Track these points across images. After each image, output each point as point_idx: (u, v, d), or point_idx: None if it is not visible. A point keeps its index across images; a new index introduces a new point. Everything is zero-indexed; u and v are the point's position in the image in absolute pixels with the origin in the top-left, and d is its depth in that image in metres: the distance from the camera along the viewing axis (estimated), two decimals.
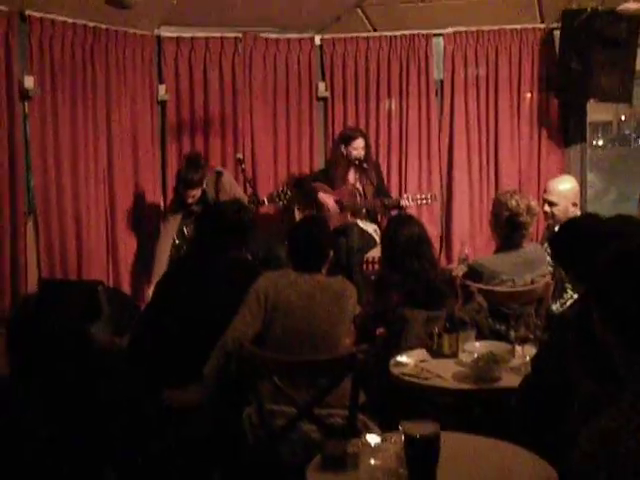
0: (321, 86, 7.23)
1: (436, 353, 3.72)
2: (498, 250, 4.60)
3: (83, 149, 6.12)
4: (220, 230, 3.99)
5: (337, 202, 6.41)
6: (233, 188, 6.15)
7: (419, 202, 6.37)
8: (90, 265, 6.15)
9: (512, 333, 4.03)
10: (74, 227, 6.07)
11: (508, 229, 4.45)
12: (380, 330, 4.03)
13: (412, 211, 6.89)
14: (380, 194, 6.32)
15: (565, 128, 6.91)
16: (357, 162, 6.29)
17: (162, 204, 6.83)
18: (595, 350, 1.98)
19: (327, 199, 6.37)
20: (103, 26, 6.27)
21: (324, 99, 7.28)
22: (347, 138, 6.35)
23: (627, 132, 13.36)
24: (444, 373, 3.46)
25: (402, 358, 3.64)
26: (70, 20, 6.02)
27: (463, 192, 7.05)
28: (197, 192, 5.90)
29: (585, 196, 6.87)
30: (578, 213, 5.00)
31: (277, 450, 3.34)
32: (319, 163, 7.25)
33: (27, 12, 5.73)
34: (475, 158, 7.04)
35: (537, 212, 4.56)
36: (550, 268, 4.57)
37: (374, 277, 4.82)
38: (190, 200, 5.91)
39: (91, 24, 6.17)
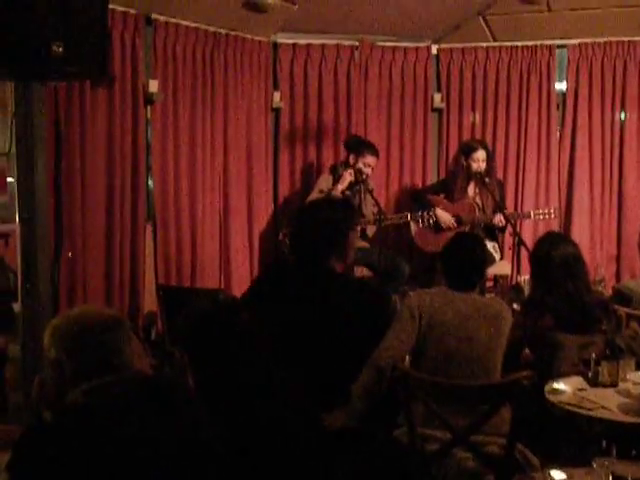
0: (437, 97, 7.06)
1: (593, 381, 3.50)
2: None
3: (201, 155, 6.07)
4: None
5: (455, 216, 6.22)
6: None
7: (540, 217, 6.14)
8: (203, 273, 6.08)
9: None
10: (189, 234, 6.01)
11: None
12: (525, 354, 3.84)
13: (528, 227, 6.70)
14: (500, 210, 6.11)
15: None
16: (478, 175, 6.10)
17: (273, 213, 6.74)
18: None
19: (443, 214, 6.18)
20: (223, 31, 6.21)
21: (439, 110, 7.10)
22: (468, 150, 6.16)
23: None
24: (608, 404, 3.24)
25: (559, 385, 3.43)
26: (193, 24, 5.97)
27: (583, 210, 6.79)
28: None
29: None
30: None
31: (430, 475, 3.17)
32: (432, 175, 7.08)
33: (153, 15, 5.69)
34: (597, 176, 6.78)
35: None
36: None
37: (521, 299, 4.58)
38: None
39: (211, 29, 6.12)
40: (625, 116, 6.71)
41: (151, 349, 5.14)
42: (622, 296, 4.22)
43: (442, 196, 6.31)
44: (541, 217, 6.15)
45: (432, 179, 7.07)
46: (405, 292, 4.65)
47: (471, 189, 6.26)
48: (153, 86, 5.68)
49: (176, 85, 5.89)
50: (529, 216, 6.24)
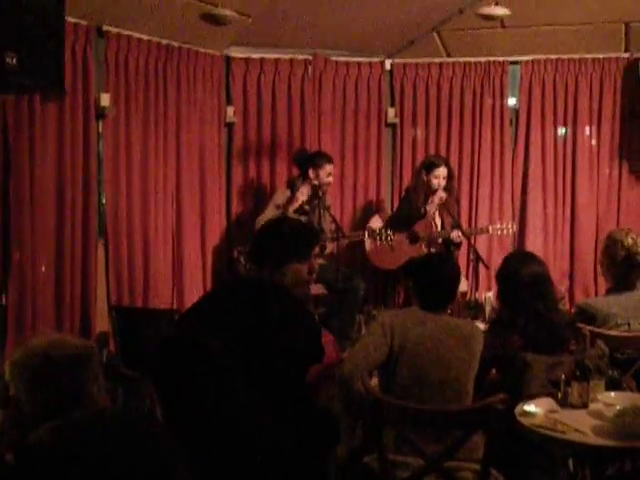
0: (390, 112, 7.03)
1: (562, 403, 3.46)
2: (610, 291, 4.34)
3: (153, 170, 5.93)
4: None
5: (411, 233, 6.19)
6: None
7: (498, 232, 6.14)
8: (156, 290, 5.93)
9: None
10: (142, 251, 5.86)
11: (624, 269, 4.20)
12: (491, 374, 3.79)
13: (483, 243, 6.70)
14: (458, 227, 6.09)
15: None
16: (437, 192, 6.09)
17: (226, 229, 6.62)
18: None
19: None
20: (175, 44, 6.08)
21: (393, 125, 7.07)
22: (429, 166, 6.13)
23: None
24: (581, 427, 3.19)
25: (530, 407, 3.37)
26: (145, 37, 5.83)
27: (536, 226, 6.82)
28: None
29: None
30: None
31: None
32: (386, 190, 7.05)
33: (105, 27, 5.54)
34: (550, 190, 6.83)
35: None
36: None
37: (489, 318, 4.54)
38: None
39: (164, 42, 5.99)
40: (576, 132, 6.75)
41: (104, 371, 4.96)
42: (585, 314, 4.20)
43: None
44: (499, 232, 6.15)
45: (386, 193, 7.04)
46: (369, 311, 4.57)
47: (431, 205, 6.23)
48: (105, 100, 5.52)
49: (128, 99, 5.75)
50: (487, 231, 6.24)
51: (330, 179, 5.96)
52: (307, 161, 5.94)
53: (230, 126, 6.69)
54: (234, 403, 2.59)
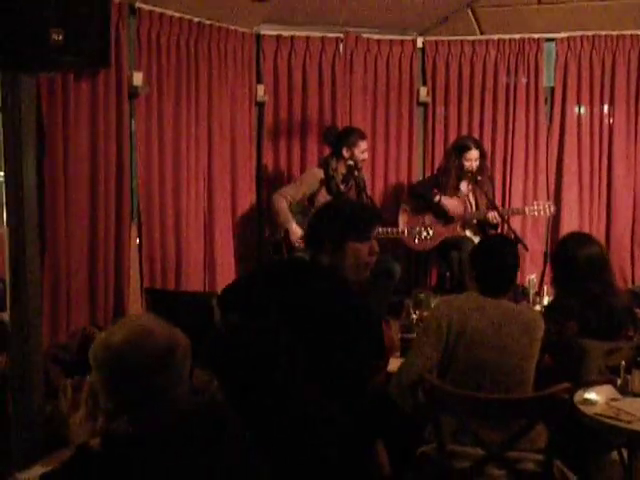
0: (422, 91, 6.89)
1: (622, 390, 3.37)
2: None
3: (185, 152, 5.82)
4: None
5: (444, 215, 6.09)
6: None
7: (535, 213, 6.01)
8: (188, 272, 5.84)
9: None
10: (174, 233, 5.76)
11: None
12: (544, 361, 3.69)
13: (515, 224, 6.57)
14: (494, 208, 5.98)
15: None
16: (469, 174, 5.97)
17: (257, 210, 6.53)
18: None
19: (447, 202, 6.01)
20: (207, 22, 5.96)
21: (425, 104, 6.94)
22: (461, 148, 5.99)
23: None
24: None
25: (590, 395, 3.28)
26: (177, 14, 5.71)
27: (572, 207, 6.69)
28: None
29: None
30: None
31: None
32: (418, 170, 6.93)
33: (137, 4, 5.42)
34: (587, 171, 6.70)
35: None
36: None
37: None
38: None
39: (196, 19, 5.87)
40: (613, 111, 6.61)
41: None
42: (637, 299, 4.09)
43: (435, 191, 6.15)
44: (535, 213, 6.02)
45: (418, 174, 6.93)
46: (417, 295, 4.44)
47: (464, 187, 6.12)
48: (137, 79, 5.41)
49: (160, 78, 5.64)
50: (523, 212, 6.12)
51: (365, 155, 5.82)
52: (340, 139, 5.79)
53: (261, 105, 6.58)
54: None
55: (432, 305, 4.04)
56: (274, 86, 6.59)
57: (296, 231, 5.53)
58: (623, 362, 3.38)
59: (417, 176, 6.91)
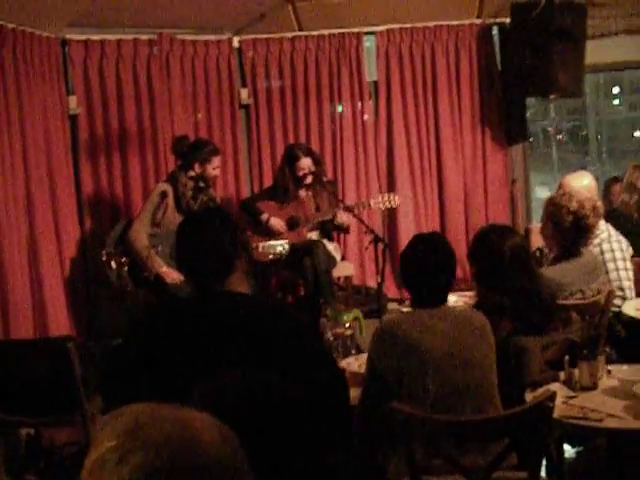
0: (243, 92, 6.54)
1: (568, 385, 3.23)
2: (558, 259, 4.14)
3: (1, 178, 5.06)
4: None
5: (289, 219, 5.79)
6: None
7: (381, 206, 5.85)
8: (17, 314, 5.09)
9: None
10: None
11: (572, 234, 4.01)
12: None
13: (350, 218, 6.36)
14: (338, 207, 5.77)
15: (507, 127, 6.66)
16: (307, 182, 5.73)
17: (79, 229, 5.87)
18: None
19: (274, 222, 5.72)
20: (10, 25, 5.22)
21: (247, 106, 6.59)
22: (291, 159, 5.72)
23: None
24: (612, 410, 2.97)
25: None
26: None
27: (406, 196, 6.58)
28: None
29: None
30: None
31: None
32: (245, 174, 6.59)
33: None
34: (417, 161, 6.67)
35: (602, 212, 4.18)
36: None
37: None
38: None
39: None
40: (437, 101, 6.62)
41: None
42: None
43: (272, 202, 5.83)
44: (381, 205, 5.84)
45: (245, 178, 6.58)
46: (327, 315, 4.05)
47: (303, 192, 5.84)
48: None
49: None
50: (369, 206, 5.89)
51: (217, 172, 5.40)
52: (192, 153, 5.29)
53: (74, 118, 5.91)
54: None
55: (347, 324, 3.69)
56: (86, 96, 5.97)
57: (169, 273, 5.00)
58: (567, 356, 3.24)
59: (245, 182, 6.56)
